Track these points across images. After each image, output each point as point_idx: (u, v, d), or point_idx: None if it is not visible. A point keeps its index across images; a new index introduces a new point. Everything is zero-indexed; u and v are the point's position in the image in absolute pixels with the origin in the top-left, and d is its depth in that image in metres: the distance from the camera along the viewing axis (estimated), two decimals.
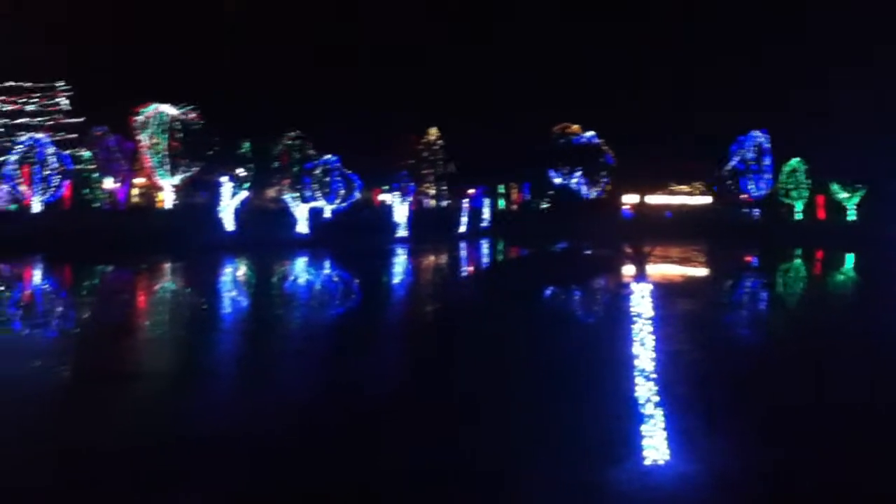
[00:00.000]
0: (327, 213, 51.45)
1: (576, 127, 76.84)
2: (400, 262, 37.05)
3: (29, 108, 54.64)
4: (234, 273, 30.70)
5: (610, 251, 31.83)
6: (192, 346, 15.22)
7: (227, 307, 21.28)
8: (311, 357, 13.90)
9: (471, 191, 68.04)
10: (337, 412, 9.97)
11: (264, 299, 23.34)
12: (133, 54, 67.01)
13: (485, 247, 48.60)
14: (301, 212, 45.26)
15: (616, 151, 74.31)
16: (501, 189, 78.91)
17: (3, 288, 24.53)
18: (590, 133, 74.38)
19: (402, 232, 48.24)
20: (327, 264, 34.00)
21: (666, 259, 33.62)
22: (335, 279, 29.03)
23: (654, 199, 79.92)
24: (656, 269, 28.72)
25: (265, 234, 41.96)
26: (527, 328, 16.33)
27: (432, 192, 77.05)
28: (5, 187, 46.61)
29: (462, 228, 54.98)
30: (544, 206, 73.30)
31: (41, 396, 10.81)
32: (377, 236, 45.66)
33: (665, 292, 21.07)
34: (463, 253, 43.59)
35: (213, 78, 67.05)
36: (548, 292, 23.68)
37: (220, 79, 67.92)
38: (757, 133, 67.55)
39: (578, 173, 72.76)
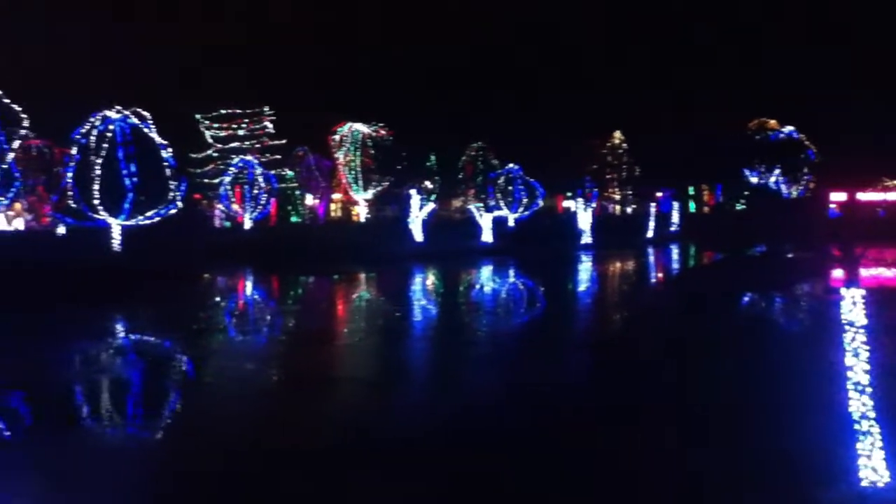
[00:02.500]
0: (511, 222, 51.90)
1: (773, 122, 72.12)
2: (585, 269, 36.61)
3: (240, 132, 59.59)
4: (424, 282, 31.76)
5: (815, 254, 29.71)
6: (392, 351, 15.94)
7: (420, 314, 22.04)
8: (512, 362, 14.15)
9: (658, 194, 65.94)
10: (538, 416, 10.13)
11: (456, 307, 23.91)
12: (326, 76, 71.60)
13: (674, 252, 46.89)
14: (485, 221, 45.97)
15: (820, 147, 68.92)
16: (691, 191, 75.81)
17: (219, 298, 26.98)
18: (789, 128, 69.53)
19: (586, 239, 47.65)
20: (513, 272, 34.27)
21: (880, 262, 30.76)
22: (522, 287, 29.20)
23: (865, 197, 73.20)
24: (869, 273, 26.40)
25: (452, 243, 42.94)
26: (726, 337, 15.57)
27: (617, 197, 75.50)
28: (220, 206, 51.28)
29: (649, 234, 53.37)
30: (740, 207, 69.49)
31: (255, 397, 11.76)
32: (561, 244, 45.40)
33: (880, 298, 19.16)
34: (651, 259, 42.30)
35: (400, 94, 69.94)
36: (747, 299, 22.43)
37: (407, 95, 70.71)
38: None
39: (777, 171, 68.25)
